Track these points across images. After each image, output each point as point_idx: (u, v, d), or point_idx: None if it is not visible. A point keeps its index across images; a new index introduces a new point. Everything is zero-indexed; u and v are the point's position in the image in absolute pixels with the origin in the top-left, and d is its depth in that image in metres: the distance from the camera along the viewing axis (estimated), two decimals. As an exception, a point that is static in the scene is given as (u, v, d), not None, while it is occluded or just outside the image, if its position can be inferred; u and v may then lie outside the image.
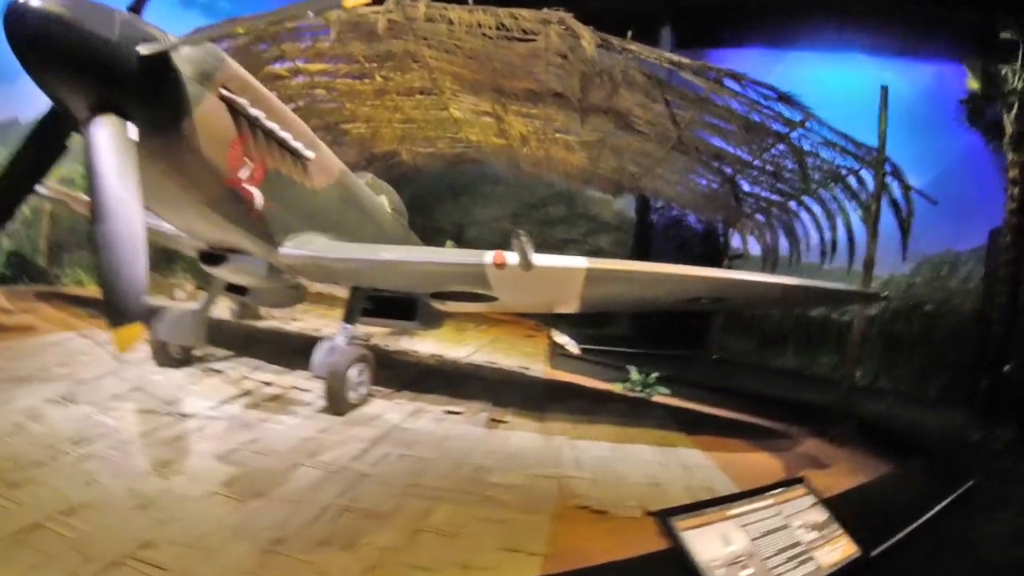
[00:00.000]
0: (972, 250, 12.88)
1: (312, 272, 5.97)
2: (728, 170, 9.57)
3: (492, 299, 6.22)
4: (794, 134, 7.84)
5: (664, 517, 3.14)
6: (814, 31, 13.47)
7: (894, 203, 7.70)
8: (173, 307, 6.23)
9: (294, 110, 10.06)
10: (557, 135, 10.38)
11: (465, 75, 8.52)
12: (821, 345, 13.36)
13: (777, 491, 3.73)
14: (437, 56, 8.26)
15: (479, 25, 7.32)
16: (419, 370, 8.07)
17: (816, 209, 9.75)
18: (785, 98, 7.06)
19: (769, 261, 11.78)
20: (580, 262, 4.99)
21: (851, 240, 9.01)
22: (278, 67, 8.81)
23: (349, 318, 6.09)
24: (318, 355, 5.66)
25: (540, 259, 4.96)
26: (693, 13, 12.90)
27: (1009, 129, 9.02)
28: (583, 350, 10.60)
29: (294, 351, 7.36)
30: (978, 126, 9.80)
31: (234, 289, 6.83)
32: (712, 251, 14.37)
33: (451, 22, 7.35)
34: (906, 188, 7.52)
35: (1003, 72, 8.88)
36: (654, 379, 8.17)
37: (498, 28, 7.40)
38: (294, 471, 4.03)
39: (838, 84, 12.84)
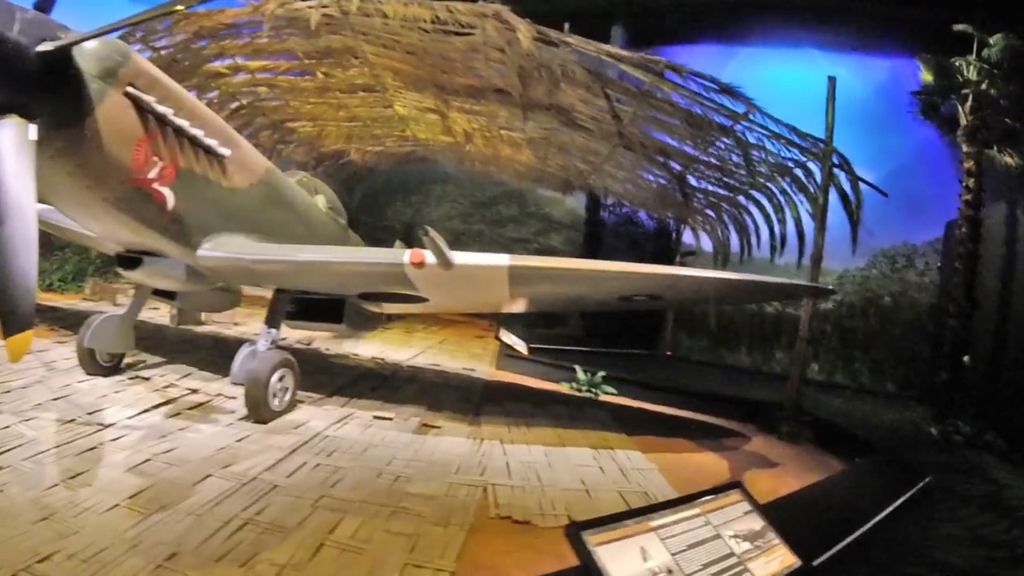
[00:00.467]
0: (929, 242, 13.01)
1: (233, 275, 5.74)
2: (675, 166, 9.42)
3: (423, 300, 6.04)
4: (738, 127, 7.66)
5: (575, 531, 2.90)
6: (767, 27, 13.44)
7: (843, 195, 7.56)
8: (99, 314, 5.99)
9: (238, 108, 9.97)
10: (502, 132, 10.14)
11: (405, 71, 8.29)
12: (776, 342, 13.37)
13: (707, 498, 3.53)
14: (377, 52, 8.00)
15: (414, 19, 7.02)
16: (356, 374, 7.82)
17: (766, 204, 9.60)
18: (727, 90, 6.94)
19: (720, 257, 11.68)
20: (502, 260, 4.85)
21: (800, 234, 8.86)
22: (218, 64, 8.46)
23: (271, 321, 5.87)
24: (238, 361, 5.52)
25: (460, 257, 4.87)
26: (644, 10, 12.76)
27: (964, 121, 9.04)
28: (532, 350, 10.38)
29: (228, 356, 6.87)
30: (933, 120, 9.81)
31: (163, 293, 6.59)
32: (664, 249, 14.32)
33: (386, 16, 7.04)
34: (854, 179, 7.43)
35: (957, 64, 8.89)
36: (600, 378, 8.06)
37: (434, 22, 7.12)
38: (203, 483, 3.88)
39: (791, 80, 12.90)
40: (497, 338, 9.81)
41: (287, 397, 5.60)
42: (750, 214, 10.32)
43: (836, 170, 7.39)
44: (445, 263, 4.78)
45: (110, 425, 4.66)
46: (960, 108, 9.15)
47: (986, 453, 7.91)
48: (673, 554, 2.95)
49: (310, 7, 7.02)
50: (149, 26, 7.45)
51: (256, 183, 5.73)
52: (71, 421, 4.64)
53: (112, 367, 6.16)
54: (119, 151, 4.09)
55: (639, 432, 6.38)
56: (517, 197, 17.47)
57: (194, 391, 5.87)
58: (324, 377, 7.20)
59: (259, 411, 5.24)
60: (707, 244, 12.41)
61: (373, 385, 7.28)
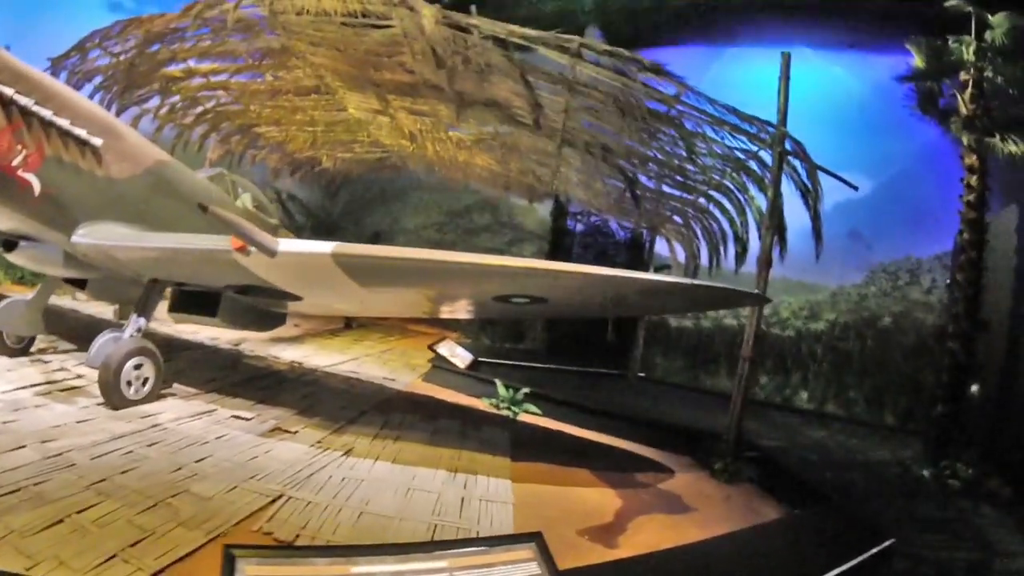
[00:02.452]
0: (936, 256, 11.20)
1: (104, 262, 5.67)
2: (624, 164, 8.42)
3: (295, 298, 5.81)
4: (674, 111, 6.61)
5: (230, 555, 2.45)
6: (753, 25, 12.16)
7: (803, 188, 6.39)
8: (8, 298, 6.15)
9: (202, 113, 9.91)
10: (451, 134, 9.52)
11: (340, 69, 7.84)
12: (759, 365, 11.81)
13: (478, 549, 2.87)
14: (312, 51, 7.63)
15: (325, 13, 6.60)
16: (257, 374, 7.56)
17: (728, 205, 8.39)
18: (654, 69, 5.99)
19: (688, 269, 10.37)
20: (325, 247, 4.52)
21: (780, 234, 7.52)
22: (172, 69, 8.40)
23: (141, 310, 5.71)
24: (95, 345, 5.48)
25: (284, 244, 4.62)
26: (623, 11, 11.86)
27: (964, 110, 7.58)
28: (480, 364, 9.52)
29: None
30: (931, 113, 8.37)
31: (73, 282, 6.71)
32: (634, 261, 13.12)
33: (300, 12, 6.65)
34: (811, 168, 6.30)
35: (953, 46, 7.49)
36: (522, 396, 7.28)
37: (348, 15, 6.69)
38: (15, 452, 3.88)
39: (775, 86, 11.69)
40: (431, 348, 9.00)
41: (145, 387, 5.41)
42: (715, 219, 9.06)
43: (792, 159, 6.15)
44: (262, 249, 4.53)
45: None
46: (959, 96, 7.70)
47: (986, 505, 6.34)
48: None
49: (230, 7, 6.67)
50: (105, 32, 7.39)
51: (140, 174, 5.69)
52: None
53: (20, 349, 6.28)
54: None
55: (533, 458, 5.74)
56: (491, 206, 17.01)
57: (79, 376, 5.79)
58: (220, 373, 7.01)
59: (110, 396, 5.12)
60: (683, 256, 11.07)
61: (264, 386, 6.98)
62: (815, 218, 6.71)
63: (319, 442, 5.25)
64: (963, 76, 7.70)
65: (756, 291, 5.03)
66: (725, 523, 4.93)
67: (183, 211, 6.04)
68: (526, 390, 7.54)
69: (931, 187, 10.06)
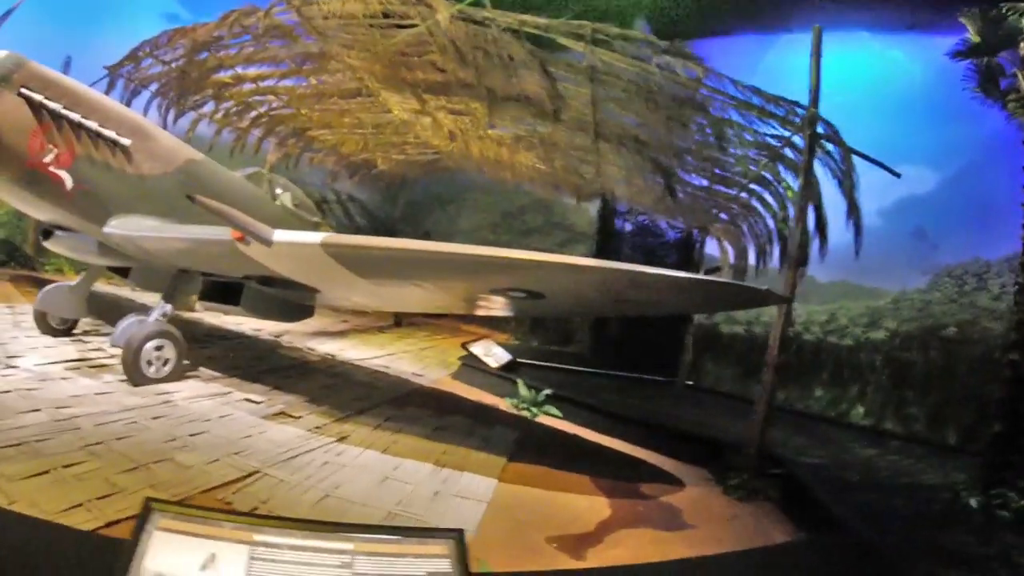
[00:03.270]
0: (1006, 259, 9.71)
1: (136, 252, 6.13)
2: (659, 158, 7.96)
3: (311, 289, 6.12)
4: (698, 96, 6.16)
5: (148, 505, 2.41)
6: (808, 10, 11.10)
7: (838, 174, 5.78)
8: (56, 283, 6.83)
9: (257, 117, 10.47)
10: (490, 132, 9.44)
11: (375, 71, 8.03)
12: (815, 376, 10.75)
13: (392, 537, 2.63)
14: (349, 54, 7.87)
15: (351, 15, 6.84)
16: (287, 364, 7.88)
17: (770, 198, 7.70)
18: (673, 51, 5.62)
19: (738, 271, 9.60)
20: (315, 237, 4.70)
21: (820, 228, 6.79)
22: (222, 75, 8.97)
23: (168, 297, 6.15)
24: (120, 327, 5.78)
25: (278, 235, 4.83)
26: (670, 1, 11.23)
27: None
28: (515, 364, 9.36)
29: (187, 337, 7.51)
30: (993, 95, 7.26)
31: (117, 271, 7.26)
32: (684, 262, 12.30)
33: (327, 16, 6.90)
34: (846, 152, 5.70)
35: (1008, 14, 6.49)
36: (543, 398, 7.04)
37: (374, 16, 6.84)
38: (29, 413, 4.30)
39: (838, 68, 10.57)
40: (464, 347, 8.93)
41: (166, 367, 5.78)
42: (759, 216, 8.35)
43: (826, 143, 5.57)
44: (257, 237, 4.81)
45: (13, 367, 5.30)
46: (1019, 72, 6.61)
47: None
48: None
49: (262, 13, 7.03)
50: (154, 41, 8.01)
51: (171, 172, 6.12)
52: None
53: (64, 330, 6.85)
54: (15, 139, 4.84)
55: (533, 460, 5.57)
56: (544, 207, 16.87)
57: (112, 356, 6.11)
58: (249, 361, 7.37)
59: (131, 374, 5.51)
60: (733, 256, 10.28)
61: (287, 374, 7.25)
62: (852, 208, 6.05)
63: (318, 428, 5.37)
64: (1023, 49, 6.62)
65: (767, 288, 4.52)
66: (720, 544, 4.47)
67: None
68: (548, 391, 7.42)
69: (1002, 181, 8.73)
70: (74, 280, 6.97)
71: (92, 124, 5.29)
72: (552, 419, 7.13)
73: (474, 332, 13.59)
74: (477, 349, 8.94)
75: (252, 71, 8.95)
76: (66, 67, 9.26)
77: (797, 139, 6.28)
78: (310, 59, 8.46)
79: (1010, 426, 6.42)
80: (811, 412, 10.49)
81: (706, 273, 11.15)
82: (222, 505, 3.57)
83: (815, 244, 6.76)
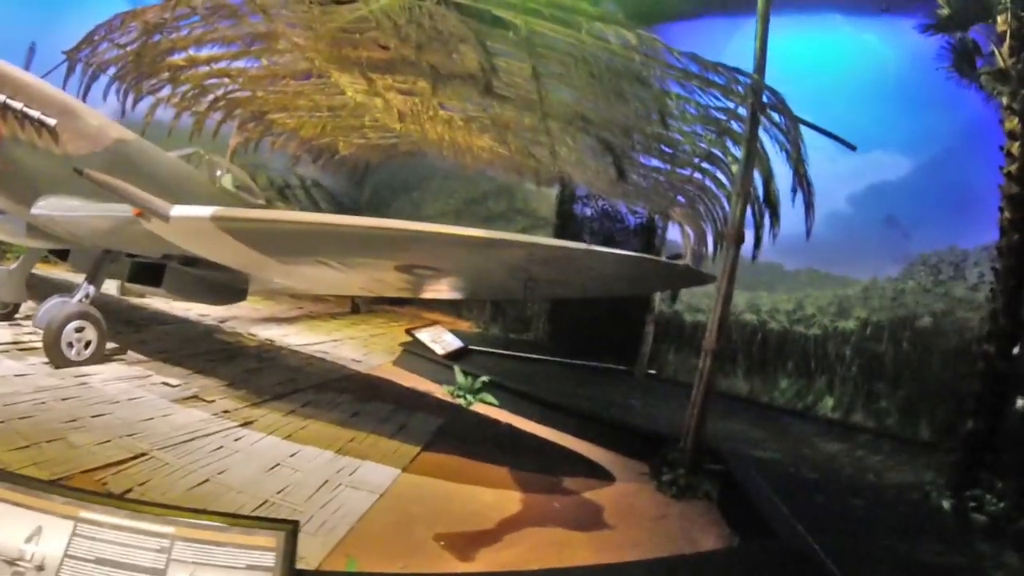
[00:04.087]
0: (984, 247, 9.39)
1: (62, 233, 6.05)
2: (607, 137, 7.64)
3: (225, 269, 6.02)
4: (636, 68, 5.81)
5: None
6: None
7: (791, 145, 5.46)
8: None
9: (214, 100, 10.27)
10: (441, 112, 9.16)
11: (321, 49, 7.80)
12: (779, 366, 10.43)
13: (203, 521, 2.48)
14: (292, 33, 7.64)
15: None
16: (220, 348, 7.78)
17: (724, 179, 7.33)
18: (602, 17, 5.32)
19: (696, 256, 9.22)
20: (205, 211, 4.60)
21: (770, 206, 6.43)
22: (176, 58, 8.79)
23: (91, 278, 6.06)
24: (42, 308, 5.79)
25: (176, 210, 4.74)
26: None
27: (1002, 63, 6.15)
28: (465, 351, 9.13)
29: (127, 323, 7.67)
30: (968, 75, 6.89)
31: (57, 254, 7.28)
32: (645, 247, 11.95)
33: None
34: (792, 122, 5.37)
35: None
36: (480, 385, 6.82)
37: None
38: None
39: (810, 52, 10.21)
40: (408, 332, 8.67)
41: (88, 349, 5.71)
42: (715, 197, 7.99)
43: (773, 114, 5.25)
44: (154, 212, 4.75)
45: None
46: (995, 48, 6.23)
47: (1013, 550, 5.06)
48: (68, 554, 2.21)
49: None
50: (109, 24, 7.85)
51: (99, 151, 5.96)
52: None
53: (4, 315, 6.75)
54: None
55: (451, 451, 5.41)
56: (506, 193, 16.72)
57: None
58: (181, 346, 7.29)
59: (52, 356, 5.45)
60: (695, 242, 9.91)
61: (216, 359, 7.12)
62: (800, 184, 5.71)
63: (226, 411, 5.26)
64: (1000, 24, 6.23)
65: (685, 262, 4.23)
66: (633, 549, 4.18)
67: (144, 185, 6.13)
68: (484, 379, 7.26)
69: (978, 167, 8.37)
70: (12, 265, 6.89)
71: (17, 104, 5.17)
72: (489, 408, 6.95)
73: (433, 319, 13.31)
74: (423, 335, 8.70)
75: (204, 53, 8.81)
76: (30, 53, 9.17)
77: (744, 111, 5.93)
78: (258, 39, 8.32)
79: (986, 422, 6.10)
80: (776, 404, 10.16)
81: (669, 259, 10.85)
82: (97, 486, 3.46)
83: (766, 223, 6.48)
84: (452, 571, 3.48)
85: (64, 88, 8.85)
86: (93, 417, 4.49)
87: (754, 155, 5.39)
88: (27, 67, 9.05)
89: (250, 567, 2.36)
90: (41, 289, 6.30)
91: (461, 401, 6.97)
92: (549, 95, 7.12)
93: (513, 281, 4.98)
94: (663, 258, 4.32)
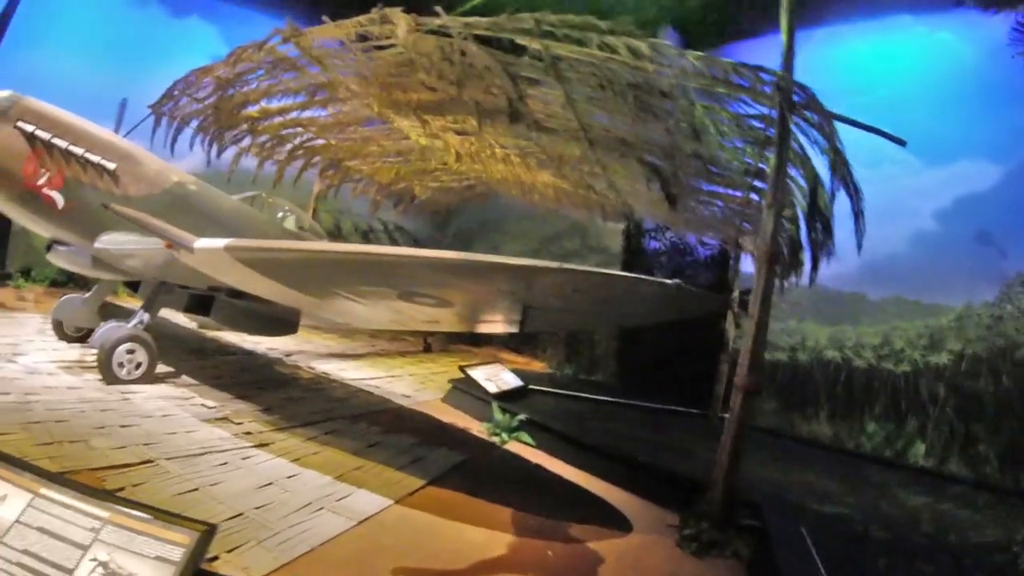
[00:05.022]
0: None
1: (121, 265, 6.81)
2: (649, 159, 7.29)
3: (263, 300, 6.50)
4: (654, 78, 5.53)
5: None
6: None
7: (827, 146, 4.94)
8: (72, 295, 7.83)
9: (293, 150, 11.25)
10: (498, 150, 9.30)
11: (375, 95, 8.36)
12: (867, 409, 9.06)
13: (133, 511, 2.76)
14: (348, 80, 8.31)
15: (340, 42, 7.24)
16: (275, 377, 8.30)
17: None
18: (614, 30, 5.23)
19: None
20: (220, 242, 5.06)
21: (819, 219, 5.75)
22: (251, 110, 9.83)
23: (146, 306, 6.76)
24: (99, 330, 6.44)
25: (199, 243, 5.27)
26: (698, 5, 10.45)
27: None
28: (524, 391, 9.04)
29: (197, 354, 8.49)
30: None
31: (130, 286, 8.21)
32: (717, 281, 10.92)
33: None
34: (827, 118, 4.85)
35: None
36: (517, 423, 6.69)
37: (355, 41, 7.25)
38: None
39: (880, 61, 9.18)
40: (461, 369, 8.63)
41: (138, 370, 6.34)
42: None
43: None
44: (179, 244, 5.35)
45: (14, 362, 6.19)
46: None
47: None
48: (18, 520, 2.61)
49: (261, 46, 7.67)
50: (186, 80, 9.02)
51: (157, 193, 6.85)
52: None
53: (79, 338, 7.68)
54: (11, 164, 5.77)
55: (457, 487, 5.28)
56: (579, 231, 16.49)
57: None
58: (235, 374, 7.86)
59: (104, 373, 6.15)
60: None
61: (262, 387, 7.53)
62: (845, 187, 5.03)
63: (248, 433, 5.58)
64: None
65: (677, 281, 3.84)
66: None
67: (202, 224, 6.88)
68: (522, 417, 7.09)
69: None
70: (88, 293, 7.84)
71: (79, 150, 6.07)
72: (526, 449, 6.74)
73: (508, 359, 13.50)
74: (477, 372, 8.64)
75: (275, 105, 9.72)
76: (122, 108, 10.67)
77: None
78: (320, 89, 9.03)
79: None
80: (862, 451, 8.83)
81: (742, 295, 10.01)
82: (95, 481, 3.85)
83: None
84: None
85: (152, 140, 10.30)
86: (121, 427, 4.99)
87: (784, 160, 4.88)
88: (119, 121, 10.75)
89: (158, 558, 2.56)
90: (117, 317, 7.04)
91: (496, 439, 6.85)
92: (587, 121, 7.04)
93: (515, 307, 4.88)
94: (660, 279, 3.95)
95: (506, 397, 8.37)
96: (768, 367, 10.64)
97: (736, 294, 9.62)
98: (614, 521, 5.18)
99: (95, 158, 6.25)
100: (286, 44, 7.85)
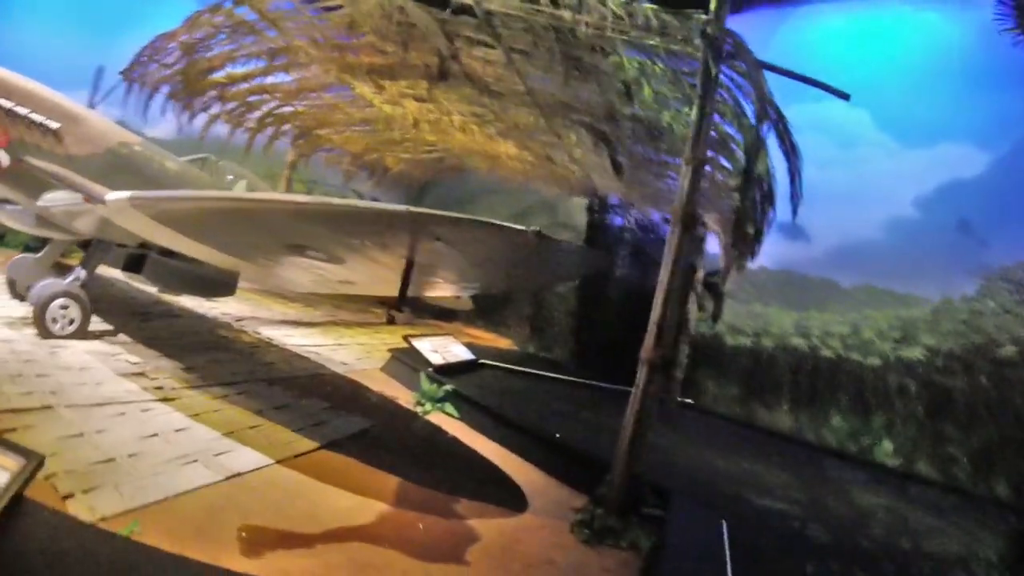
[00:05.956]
0: None
1: (61, 223, 6.97)
2: (597, 127, 7.11)
3: (186, 258, 6.86)
4: (582, 32, 5.32)
5: None
6: None
7: (761, 102, 4.75)
8: (23, 255, 8.19)
9: (263, 117, 11.31)
10: (454, 118, 9.19)
11: (327, 58, 8.35)
12: (832, 400, 8.79)
13: None
14: (303, 45, 8.31)
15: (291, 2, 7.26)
16: (211, 341, 8.42)
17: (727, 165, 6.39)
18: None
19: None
20: (124, 193, 5.28)
21: (749, 185, 5.48)
22: (217, 76, 9.91)
23: (83, 263, 7.03)
24: (35, 287, 6.71)
25: (111, 194, 5.49)
26: None
27: None
28: (474, 365, 9.20)
29: (138, 313, 8.74)
30: None
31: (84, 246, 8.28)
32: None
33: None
34: (753, 66, 4.65)
35: None
36: (443, 393, 6.64)
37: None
38: None
39: (864, 40, 8.84)
40: (405, 339, 8.58)
41: (71, 325, 6.58)
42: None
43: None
44: (91, 198, 5.64)
45: None
46: None
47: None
48: None
49: (216, 9, 7.69)
50: (151, 46, 9.12)
51: (100, 152, 6.96)
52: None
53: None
54: None
55: (351, 452, 5.31)
56: (549, 207, 16.22)
57: None
58: (175, 336, 8.00)
59: (39, 327, 6.42)
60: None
61: (192, 348, 7.62)
62: (781, 146, 4.82)
63: (158, 388, 5.72)
64: None
65: (535, 228, 3.70)
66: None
67: (144, 186, 6.69)
68: (448, 388, 7.15)
69: None
70: (39, 254, 8.09)
71: (23, 111, 6.20)
72: (449, 421, 6.76)
73: (474, 334, 13.57)
74: (423, 343, 8.61)
75: (239, 70, 9.77)
76: (98, 75, 10.86)
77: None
78: (280, 53, 9.05)
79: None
80: (824, 445, 8.59)
81: (706, 277, 9.71)
82: None
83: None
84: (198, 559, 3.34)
85: (124, 106, 10.50)
86: (37, 376, 5.20)
87: (706, 112, 4.68)
88: (95, 88, 10.97)
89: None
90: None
91: (419, 409, 6.90)
92: (529, 84, 6.90)
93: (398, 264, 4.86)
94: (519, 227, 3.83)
95: (451, 370, 8.41)
96: (730, 351, 10.44)
97: (700, 274, 9.36)
98: (510, 500, 5.14)
99: (39, 118, 6.37)
100: (242, 7, 7.92)
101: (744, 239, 6.17)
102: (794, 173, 5.06)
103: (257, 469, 4.60)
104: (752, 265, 7.59)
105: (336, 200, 3.84)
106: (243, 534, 3.73)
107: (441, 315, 12.85)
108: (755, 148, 5.03)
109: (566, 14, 5.03)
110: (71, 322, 6.53)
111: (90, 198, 5.68)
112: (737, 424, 9.46)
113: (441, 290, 5.96)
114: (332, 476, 4.78)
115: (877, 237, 9.68)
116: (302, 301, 12.68)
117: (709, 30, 4.70)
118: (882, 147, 10.08)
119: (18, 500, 2.94)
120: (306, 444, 5.25)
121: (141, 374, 6.01)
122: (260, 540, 3.69)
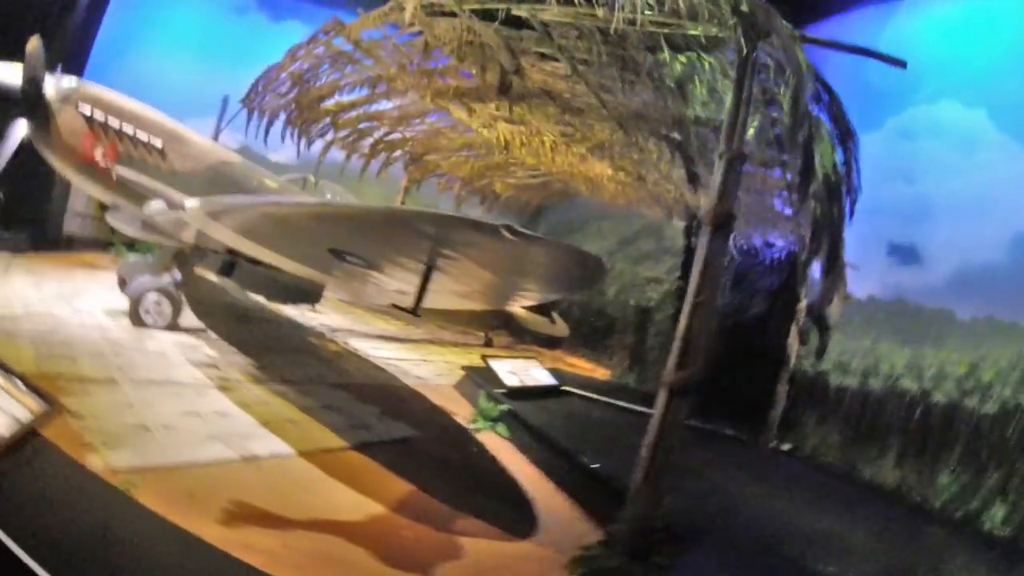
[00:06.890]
0: None
1: (164, 229, 8.03)
2: (664, 132, 6.72)
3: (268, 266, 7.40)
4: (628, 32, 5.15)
5: None
6: None
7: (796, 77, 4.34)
8: (135, 255, 9.62)
9: (375, 144, 12.24)
10: (544, 138, 9.24)
11: (420, 84, 8.95)
12: (944, 450, 7.22)
13: None
14: (397, 72, 9.00)
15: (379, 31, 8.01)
16: (289, 345, 9.26)
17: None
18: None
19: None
20: (198, 200, 6.05)
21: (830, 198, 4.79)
22: (327, 104, 10.95)
23: (179, 265, 8.15)
24: (135, 280, 7.83)
25: (190, 201, 6.26)
26: None
27: None
28: (554, 391, 9.12)
29: (239, 317, 9.85)
30: None
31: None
32: (782, 287, 9.35)
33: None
34: (793, 39, 4.26)
35: None
36: (499, 412, 6.96)
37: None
38: (41, 322, 6.51)
39: (978, 26, 7.34)
40: (482, 358, 8.61)
41: (161, 319, 7.60)
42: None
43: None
44: (173, 205, 6.80)
45: (68, 303, 7.74)
46: None
47: None
48: None
49: (310, 42, 8.65)
50: (265, 76, 10.38)
51: (202, 169, 7.96)
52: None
53: None
54: (72, 141, 7.03)
55: (379, 457, 5.46)
56: (655, 231, 15.86)
57: None
58: (262, 339, 9.00)
59: (132, 317, 7.50)
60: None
61: (276, 350, 8.48)
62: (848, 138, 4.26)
63: (223, 379, 6.37)
64: None
65: (507, 223, 3.54)
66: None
67: None
68: (505, 408, 7.24)
69: None
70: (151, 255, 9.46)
71: (129, 130, 7.29)
72: (500, 440, 6.78)
73: (573, 363, 13.52)
74: (501, 365, 8.62)
75: (347, 99, 10.68)
76: (224, 104, 12.48)
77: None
78: (380, 81, 9.79)
79: None
80: (927, 506, 7.06)
81: (811, 307, 8.59)
82: (51, 384, 4.71)
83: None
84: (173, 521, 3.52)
85: (246, 133, 11.75)
86: (115, 354, 6.06)
87: (743, 99, 4.26)
88: (221, 116, 12.60)
89: (4, 411, 3.58)
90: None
91: (472, 427, 7.01)
92: (601, 95, 6.79)
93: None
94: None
95: (528, 394, 8.38)
96: (834, 393, 9.08)
97: (803, 304, 8.45)
98: (515, 525, 4.94)
99: (143, 136, 7.45)
100: (338, 38, 8.77)
101: (830, 257, 5.44)
102: (850, 162, 4.42)
103: (275, 456, 4.93)
104: (860, 293, 6.72)
105: (342, 202, 4.14)
106: (228, 507, 3.99)
107: (546, 342, 12.86)
108: (804, 134, 4.40)
109: (600, 11, 4.94)
110: (162, 315, 7.53)
111: (174, 205, 6.56)
112: (832, 475, 8.18)
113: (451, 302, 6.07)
114: (344, 473, 4.96)
115: (1000, 259, 8.35)
116: (405, 319, 13.19)
117: (744, 8, 4.42)
118: (1003, 150, 8.73)
119: (32, 434, 3.64)
120: (336, 442, 5.56)
121: (212, 365, 6.74)
122: (241, 515, 3.95)
